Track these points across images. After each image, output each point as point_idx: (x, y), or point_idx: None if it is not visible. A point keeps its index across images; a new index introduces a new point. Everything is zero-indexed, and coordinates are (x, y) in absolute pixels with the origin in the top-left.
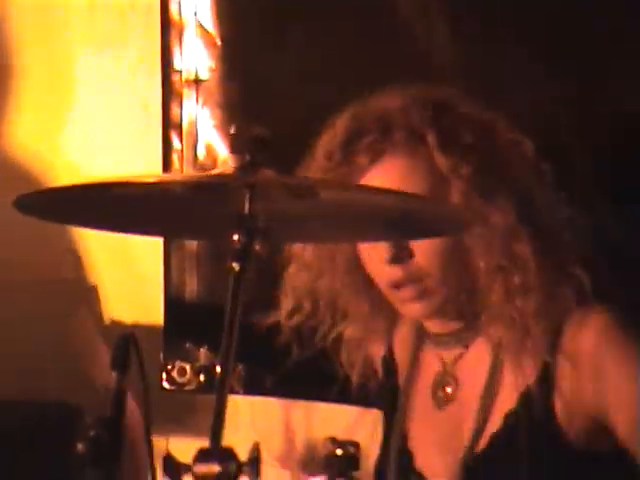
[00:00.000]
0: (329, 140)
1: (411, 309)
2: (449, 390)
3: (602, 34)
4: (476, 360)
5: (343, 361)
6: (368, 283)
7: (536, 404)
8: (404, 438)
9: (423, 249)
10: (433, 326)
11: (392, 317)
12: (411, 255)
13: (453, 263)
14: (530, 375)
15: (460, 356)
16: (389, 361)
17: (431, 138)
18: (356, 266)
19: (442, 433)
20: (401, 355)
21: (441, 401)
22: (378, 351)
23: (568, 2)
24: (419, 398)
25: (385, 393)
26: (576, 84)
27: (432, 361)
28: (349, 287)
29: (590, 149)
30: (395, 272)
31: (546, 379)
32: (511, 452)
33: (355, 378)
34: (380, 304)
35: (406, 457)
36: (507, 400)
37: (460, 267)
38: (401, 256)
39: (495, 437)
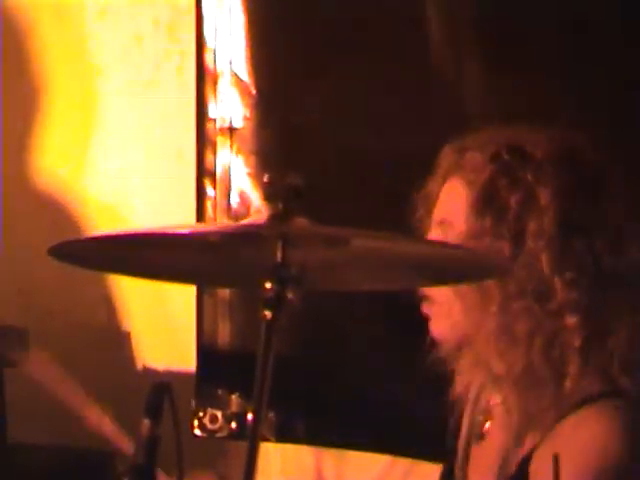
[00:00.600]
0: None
1: None
2: (487, 426)
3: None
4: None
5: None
6: None
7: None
8: None
9: None
10: None
11: None
12: None
13: None
14: (527, 447)
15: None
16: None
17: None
18: None
19: (475, 469)
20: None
21: (477, 437)
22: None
23: (597, 34)
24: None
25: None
26: (608, 117)
27: (483, 398)
28: None
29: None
30: None
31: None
32: None
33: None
34: None
35: None
36: (511, 465)
37: None
38: None
39: None
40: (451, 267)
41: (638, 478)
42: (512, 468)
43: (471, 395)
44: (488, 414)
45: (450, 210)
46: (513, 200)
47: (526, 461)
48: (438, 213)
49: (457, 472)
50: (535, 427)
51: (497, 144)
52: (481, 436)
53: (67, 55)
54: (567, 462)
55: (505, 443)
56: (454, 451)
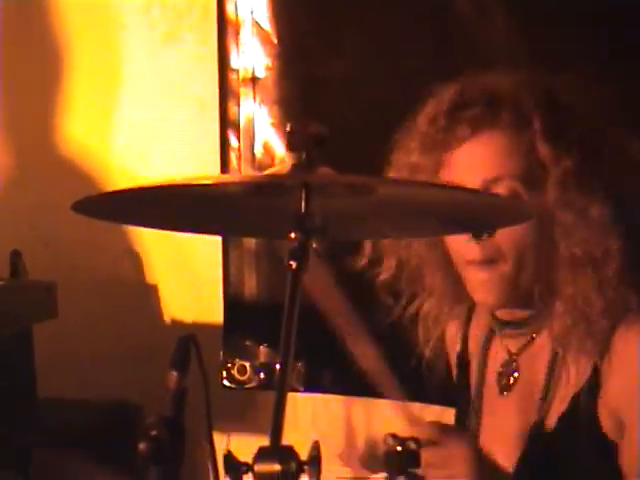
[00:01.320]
0: (434, 106)
1: (482, 296)
2: (512, 379)
3: None
4: (540, 352)
5: (419, 336)
6: (448, 261)
7: (584, 408)
8: (477, 436)
9: (505, 232)
10: (502, 314)
11: (468, 303)
12: (492, 234)
13: (534, 250)
14: (583, 376)
15: (526, 346)
16: (463, 357)
17: (538, 124)
18: (437, 241)
19: (502, 420)
20: (474, 350)
21: (504, 388)
22: (452, 333)
23: None
24: (487, 390)
25: (458, 391)
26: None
27: (499, 351)
28: (429, 261)
29: None
30: (473, 249)
31: (595, 383)
32: (563, 453)
33: (428, 353)
34: (456, 285)
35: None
36: (562, 401)
37: (541, 256)
38: (482, 233)
39: (549, 438)
40: (475, 214)
41: None
42: (562, 406)
43: (478, 347)
44: (516, 366)
45: (504, 166)
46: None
47: (585, 393)
48: (485, 171)
49: (472, 420)
50: (580, 361)
51: (531, 93)
52: (508, 387)
53: (89, 10)
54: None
55: (531, 395)
56: (466, 400)
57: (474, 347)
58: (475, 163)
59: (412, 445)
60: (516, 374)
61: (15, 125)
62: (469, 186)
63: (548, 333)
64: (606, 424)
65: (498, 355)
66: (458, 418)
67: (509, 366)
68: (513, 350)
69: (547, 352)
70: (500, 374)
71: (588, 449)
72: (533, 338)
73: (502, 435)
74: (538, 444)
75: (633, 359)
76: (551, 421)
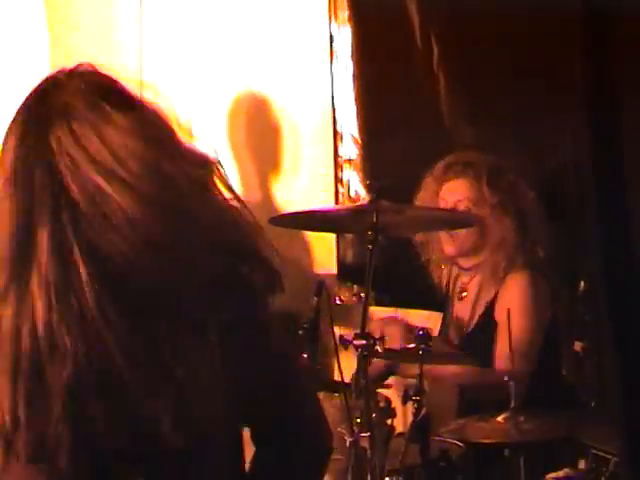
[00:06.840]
0: (439, 166)
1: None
2: (463, 295)
3: None
4: (475, 283)
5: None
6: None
7: (490, 307)
8: (449, 323)
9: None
10: (460, 262)
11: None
12: None
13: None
14: (491, 295)
15: (470, 280)
16: (447, 284)
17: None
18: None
19: (459, 314)
20: (450, 280)
21: (459, 299)
22: (444, 272)
23: None
24: (454, 300)
25: (445, 301)
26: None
27: (459, 282)
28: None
29: None
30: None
31: (495, 297)
32: (482, 337)
33: (437, 280)
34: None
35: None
36: (481, 307)
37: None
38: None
39: (475, 326)
40: (456, 219)
41: (540, 313)
42: (481, 309)
43: (451, 280)
44: (464, 288)
45: (464, 194)
46: (500, 189)
47: (490, 303)
48: (452, 195)
49: (448, 313)
50: (490, 288)
51: (479, 164)
52: (461, 299)
53: None
54: (509, 300)
55: (472, 301)
56: (446, 305)
57: (450, 279)
58: (450, 193)
59: (427, 330)
60: (464, 294)
61: None
62: (445, 206)
63: (479, 275)
64: (497, 315)
65: (457, 284)
66: (444, 316)
67: (462, 289)
68: (465, 281)
69: (478, 284)
70: (459, 293)
71: (488, 328)
72: (473, 277)
73: (459, 321)
74: (480, 326)
75: (513, 288)
76: (476, 315)
